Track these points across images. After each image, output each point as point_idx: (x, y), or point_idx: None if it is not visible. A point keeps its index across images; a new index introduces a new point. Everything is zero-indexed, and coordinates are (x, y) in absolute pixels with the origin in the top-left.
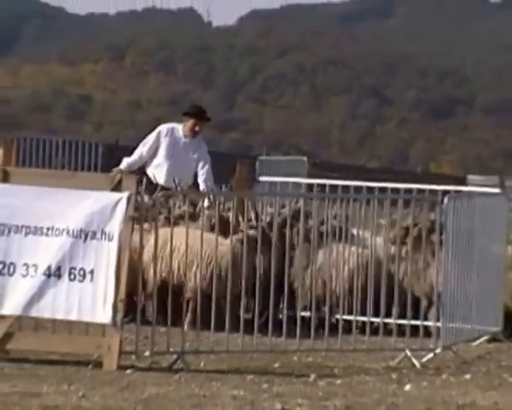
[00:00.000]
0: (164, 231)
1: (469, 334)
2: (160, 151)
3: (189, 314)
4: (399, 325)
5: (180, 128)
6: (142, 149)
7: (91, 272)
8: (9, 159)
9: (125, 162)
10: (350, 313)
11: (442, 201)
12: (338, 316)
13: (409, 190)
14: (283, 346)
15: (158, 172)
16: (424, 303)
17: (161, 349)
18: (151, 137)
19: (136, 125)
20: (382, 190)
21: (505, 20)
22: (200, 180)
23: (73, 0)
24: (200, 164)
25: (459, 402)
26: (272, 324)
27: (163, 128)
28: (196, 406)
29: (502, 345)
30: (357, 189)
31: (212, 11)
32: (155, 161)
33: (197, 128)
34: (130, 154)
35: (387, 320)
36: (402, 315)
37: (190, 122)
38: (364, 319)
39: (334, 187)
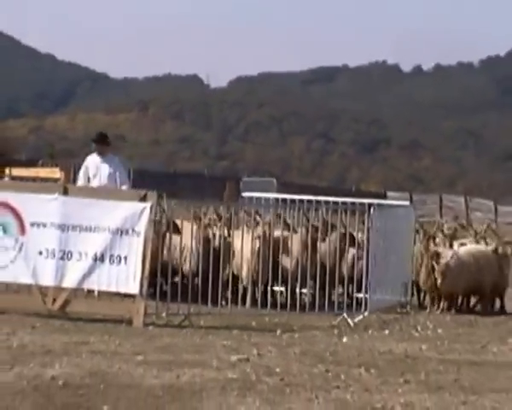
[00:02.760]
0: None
1: (388, 303)
2: (90, 173)
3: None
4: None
5: (95, 154)
6: (83, 177)
7: (125, 257)
8: (68, 179)
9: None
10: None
11: (369, 210)
12: (304, 290)
13: (345, 203)
14: (258, 311)
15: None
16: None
17: (173, 312)
18: (84, 167)
19: (157, 157)
20: (327, 202)
21: (413, 84)
22: (118, 183)
23: (113, 67)
24: (118, 173)
25: (380, 350)
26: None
27: (87, 159)
28: (197, 351)
29: (410, 311)
30: (310, 201)
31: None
32: (90, 182)
33: (101, 150)
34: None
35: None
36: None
37: (96, 146)
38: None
39: (293, 200)
